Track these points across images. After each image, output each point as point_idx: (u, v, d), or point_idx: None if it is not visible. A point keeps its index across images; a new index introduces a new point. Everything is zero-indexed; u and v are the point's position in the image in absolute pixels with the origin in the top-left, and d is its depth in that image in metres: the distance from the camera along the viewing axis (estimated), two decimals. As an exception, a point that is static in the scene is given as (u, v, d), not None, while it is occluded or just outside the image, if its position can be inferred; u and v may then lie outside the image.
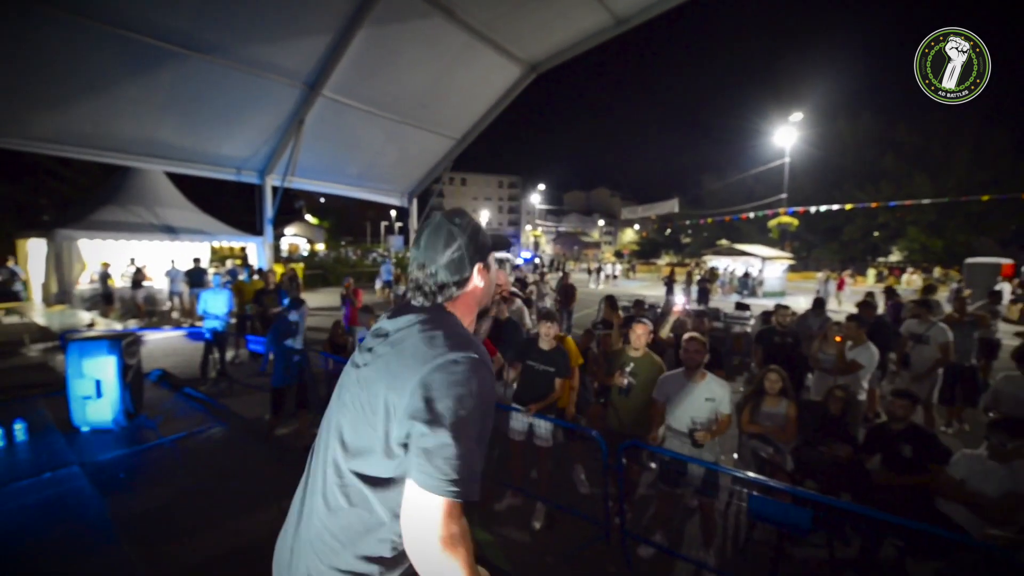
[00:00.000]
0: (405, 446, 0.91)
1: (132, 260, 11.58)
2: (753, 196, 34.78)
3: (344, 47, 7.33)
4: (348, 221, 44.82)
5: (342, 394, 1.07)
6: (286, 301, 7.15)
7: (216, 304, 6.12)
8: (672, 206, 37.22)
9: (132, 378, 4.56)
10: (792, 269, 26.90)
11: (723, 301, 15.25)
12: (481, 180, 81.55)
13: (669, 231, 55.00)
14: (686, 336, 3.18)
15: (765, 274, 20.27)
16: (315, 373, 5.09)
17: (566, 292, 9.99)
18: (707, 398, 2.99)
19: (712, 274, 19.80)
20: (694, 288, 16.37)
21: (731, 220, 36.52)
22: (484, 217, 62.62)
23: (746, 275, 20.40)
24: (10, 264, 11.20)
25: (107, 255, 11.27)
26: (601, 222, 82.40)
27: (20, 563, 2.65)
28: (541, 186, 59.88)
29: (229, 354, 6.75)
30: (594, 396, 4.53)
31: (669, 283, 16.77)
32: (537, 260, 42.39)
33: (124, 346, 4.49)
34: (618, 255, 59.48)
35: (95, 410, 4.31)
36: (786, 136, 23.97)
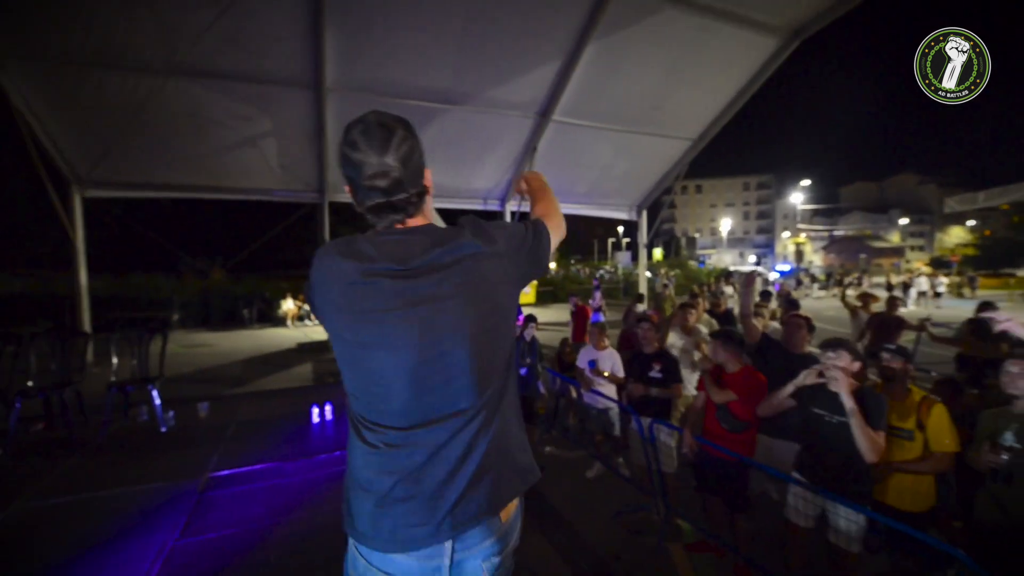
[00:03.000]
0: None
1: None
2: None
3: (571, 70, 7.44)
4: (578, 239, 47.15)
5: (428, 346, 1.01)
6: (520, 316, 7.73)
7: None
8: (1048, 186, 24.34)
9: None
10: None
11: None
12: (720, 185, 72.94)
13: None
14: None
15: None
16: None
17: (884, 326, 5.51)
18: None
19: None
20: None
21: None
22: (725, 226, 55.42)
23: None
24: None
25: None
26: (904, 220, 61.48)
27: (316, 513, 3.47)
28: (805, 182, 48.41)
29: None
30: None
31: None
32: (801, 275, 34.52)
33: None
34: (939, 264, 42.61)
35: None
36: None
